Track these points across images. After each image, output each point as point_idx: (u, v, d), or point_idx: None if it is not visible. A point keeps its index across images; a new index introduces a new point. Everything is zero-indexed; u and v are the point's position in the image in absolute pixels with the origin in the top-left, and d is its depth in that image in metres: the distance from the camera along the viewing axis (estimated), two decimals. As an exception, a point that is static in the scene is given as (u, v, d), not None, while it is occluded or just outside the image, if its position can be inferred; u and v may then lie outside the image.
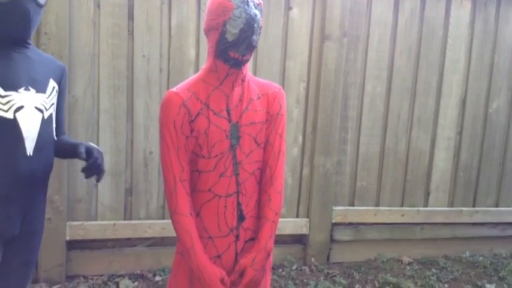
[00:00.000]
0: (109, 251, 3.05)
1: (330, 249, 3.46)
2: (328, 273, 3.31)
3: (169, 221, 3.00)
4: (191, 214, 1.57)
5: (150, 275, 3.06)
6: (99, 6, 2.85)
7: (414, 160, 3.61)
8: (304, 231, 3.37)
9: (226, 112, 1.58)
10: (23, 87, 1.58)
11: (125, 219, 3.05)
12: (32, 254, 1.70)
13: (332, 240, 3.46)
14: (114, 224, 3.00)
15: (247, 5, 1.48)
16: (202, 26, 3.01)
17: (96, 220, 3.00)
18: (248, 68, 1.61)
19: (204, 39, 3.03)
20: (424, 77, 3.54)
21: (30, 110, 1.58)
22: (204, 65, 1.62)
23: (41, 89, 1.63)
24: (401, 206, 3.62)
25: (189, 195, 1.59)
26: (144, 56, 2.96)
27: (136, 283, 2.98)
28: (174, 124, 1.54)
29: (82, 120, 2.90)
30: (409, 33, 3.47)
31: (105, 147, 2.96)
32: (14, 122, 1.54)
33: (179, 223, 1.56)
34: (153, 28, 2.95)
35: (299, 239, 3.44)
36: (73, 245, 2.98)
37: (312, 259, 3.40)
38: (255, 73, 3.16)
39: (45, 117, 1.63)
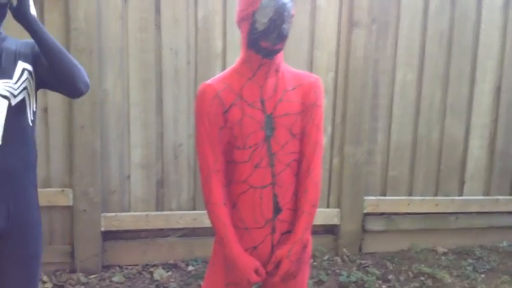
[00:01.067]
0: (142, 241, 3.12)
1: (362, 239, 3.42)
2: (360, 263, 3.28)
3: (201, 211, 3.06)
4: (225, 204, 1.59)
5: (183, 265, 3.11)
6: (126, 1, 2.90)
7: (448, 148, 3.52)
8: (335, 221, 3.35)
9: (260, 103, 1.58)
10: None
11: (157, 210, 3.10)
12: (30, 248, 1.66)
13: (364, 230, 3.42)
14: (147, 215, 3.06)
15: None
16: (229, 17, 3.06)
17: (129, 211, 3.06)
18: (282, 58, 1.60)
19: (230, 30, 3.06)
20: (456, 63, 3.44)
21: None
22: (238, 57, 1.62)
23: (6, 75, 1.57)
24: (435, 195, 3.54)
25: (223, 185, 1.60)
26: (171, 49, 2.99)
27: (170, 273, 3.03)
28: (207, 115, 1.56)
29: (113, 113, 2.96)
30: (440, 18, 3.37)
31: (136, 140, 3.02)
32: None
33: (213, 213, 1.59)
34: (180, 21, 2.98)
35: (330, 230, 3.42)
36: (108, 235, 3.05)
37: (344, 249, 3.37)
38: (282, 63, 3.14)
39: (13, 104, 1.57)
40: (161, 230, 3.14)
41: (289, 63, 3.26)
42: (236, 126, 1.57)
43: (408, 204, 3.46)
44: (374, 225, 3.44)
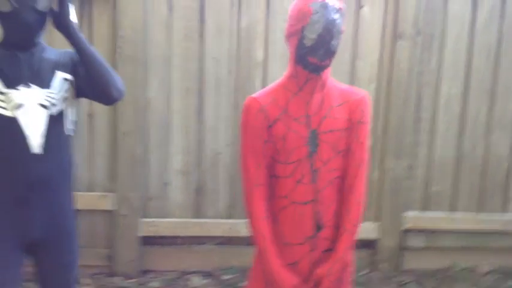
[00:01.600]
0: (179, 247, 3.14)
1: (401, 256, 3.34)
2: (398, 280, 3.20)
3: (237, 220, 3.06)
4: (266, 218, 1.59)
5: (218, 273, 3.11)
6: (171, 10, 2.94)
7: (492, 164, 3.40)
8: (374, 236, 3.28)
9: (305, 118, 1.58)
10: (22, 84, 1.57)
11: (194, 218, 3.12)
12: (67, 256, 1.70)
13: (403, 246, 3.33)
14: (184, 222, 3.08)
15: (326, 9, 1.48)
16: (270, 27, 3.06)
17: (167, 217, 3.09)
18: (329, 74, 1.59)
19: (272, 40, 3.06)
20: (504, 78, 3.32)
21: (33, 107, 1.56)
22: (281, 69, 1.63)
23: (44, 84, 1.60)
24: (478, 212, 3.42)
25: (265, 199, 1.61)
26: (213, 58, 3.02)
27: (205, 281, 3.04)
28: (252, 129, 1.58)
29: (155, 120, 3.01)
30: (488, 31, 3.27)
31: (177, 148, 3.05)
32: (14, 120, 1.54)
33: (254, 226, 1.60)
34: (222, 30, 3.00)
35: (368, 244, 3.35)
36: (146, 240, 3.09)
37: (382, 265, 3.30)
38: (323, 74, 3.12)
39: (52, 113, 1.60)
40: (198, 237, 3.16)
41: (331, 72, 3.25)
42: (280, 140, 1.58)
43: (450, 221, 3.36)
44: (414, 241, 3.35)
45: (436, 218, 3.34)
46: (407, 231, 3.32)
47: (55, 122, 1.61)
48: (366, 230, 3.26)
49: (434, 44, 3.22)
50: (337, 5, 1.51)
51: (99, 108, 2.90)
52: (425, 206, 3.36)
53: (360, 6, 3.11)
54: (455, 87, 3.29)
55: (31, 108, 1.56)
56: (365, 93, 1.67)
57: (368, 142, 1.64)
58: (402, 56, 3.14)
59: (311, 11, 1.48)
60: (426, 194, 3.36)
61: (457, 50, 3.25)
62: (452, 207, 3.40)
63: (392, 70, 3.16)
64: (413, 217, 3.30)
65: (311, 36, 1.49)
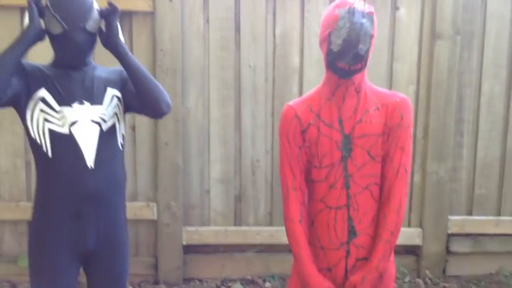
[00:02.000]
0: (221, 255, 3.17)
1: (446, 261, 3.25)
2: (444, 286, 3.11)
3: (277, 228, 3.06)
4: (300, 222, 1.61)
5: (260, 281, 3.12)
6: (208, 21, 3.00)
7: (541, 165, 3.27)
8: (417, 241, 3.21)
9: (338, 123, 1.59)
10: (77, 101, 1.63)
11: (235, 225, 3.14)
12: (118, 267, 1.75)
13: (448, 251, 3.25)
14: (225, 230, 3.11)
15: (353, 14, 1.49)
16: (306, 34, 3.06)
17: (209, 225, 3.13)
18: (363, 78, 1.59)
19: (307, 46, 3.06)
20: (551, 73, 3.21)
21: (86, 123, 1.63)
22: (316, 74, 1.65)
23: (96, 101, 1.67)
24: (526, 215, 3.30)
25: (300, 203, 1.63)
26: (250, 66, 3.04)
27: (247, 288, 3.06)
28: (287, 135, 1.62)
29: (194, 130, 3.06)
30: (531, 26, 3.17)
31: (215, 156, 3.09)
32: (70, 137, 1.60)
33: (289, 229, 1.63)
34: (258, 38, 3.03)
35: (412, 250, 3.28)
36: (189, 249, 3.14)
37: (427, 271, 3.22)
38: (361, 78, 3.09)
39: (104, 129, 1.66)
40: (239, 245, 3.18)
41: (368, 76, 3.22)
42: (313, 145, 1.60)
43: (496, 225, 3.25)
44: (459, 246, 3.26)
45: (482, 222, 3.24)
46: (451, 235, 3.24)
47: (107, 136, 1.67)
48: (410, 235, 3.20)
49: (474, 43, 3.14)
50: (366, 9, 1.52)
51: (141, 121, 2.98)
52: (470, 210, 3.27)
53: (395, 8, 3.08)
54: (498, 86, 3.19)
55: (84, 125, 1.63)
56: (404, 96, 1.64)
57: (410, 148, 1.60)
58: (441, 56, 3.08)
59: (337, 17, 1.50)
60: (471, 197, 3.27)
61: (498, 48, 3.16)
62: (498, 211, 3.29)
63: (431, 71, 3.10)
64: (458, 221, 3.22)
65: (337, 41, 1.49)
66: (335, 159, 1.58)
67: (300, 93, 3.09)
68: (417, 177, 3.21)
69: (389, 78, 3.13)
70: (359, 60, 1.51)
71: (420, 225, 3.22)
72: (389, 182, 1.57)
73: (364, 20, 1.50)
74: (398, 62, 3.12)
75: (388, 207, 1.57)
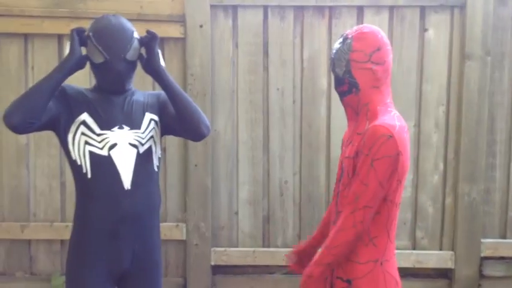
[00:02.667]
0: (250, 276, 3.17)
1: (479, 285, 3.16)
2: (478, 311, 3.03)
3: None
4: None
5: (288, 303, 3.11)
6: (237, 46, 3.06)
7: None
8: (449, 265, 3.14)
9: (344, 143, 1.69)
10: (117, 126, 1.70)
11: (263, 247, 3.15)
12: (152, 287, 1.78)
13: (481, 275, 3.16)
14: (254, 251, 3.12)
15: (336, 41, 1.65)
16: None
17: (237, 247, 3.15)
18: (364, 101, 1.58)
19: (336, 68, 3.08)
20: None
21: (124, 146, 1.69)
22: None
23: (135, 125, 1.73)
24: None
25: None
26: (278, 89, 3.08)
27: (275, 310, 3.04)
28: None
29: (223, 152, 3.11)
30: None
31: (244, 178, 3.12)
32: (109, 159, 1.66)
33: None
34: (286, 62, 3.07)
35: (444, 274, 3.21)
36: (217, 269, 3.16)
37: (459, 295, 3.15)
38: (389, 99, 3.09)
39: (141, 152, 1.71)
40: (267, 266, 3.18)
41: (397, 97, 3.24)
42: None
43: (533, 248, 3.16)
44: (493, 270, 3.17)
45: (517, 245, 3.15)
46: (485, 259, 3.16)
47: (143, 159, 1.73)
48: (442, 258, 3.14)
49: (505, 63, 3.10)
50: (351, 34, 1.61)
51: (172, 143, 3.04)
52: (503, 233, 3.19)
53: (424, 29, 3.08)
54: (531, 107, 3.13)
55: (123, 148, 1.69)
56: (377, 124, 1.53)
57: (366, 177, 1.50)
58: (471, 76, 3.05)
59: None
60: (504, 220, 3.19)
61: (531, 68, 3.11)
62: (534, 233, 3.19)
63: (461, 92, 3.07)
64: (491, 244, 3.14)
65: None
66: (337, 177, 1.68)
67: (328, 115, 3.11)
68: (449, 200, 3.16)
69: (419, 100, 3.12)
70: (340, 83, 1.60)
71: (452, 248, 3.16)
72: (344, 203, 1.57)
73: (339, 46, 1.60)
74: (428, 83, 3.10)
75: (335, 225, 1.58)
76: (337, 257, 1.55)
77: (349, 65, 1.56)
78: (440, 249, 3.17)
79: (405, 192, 3.14)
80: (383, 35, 1.64)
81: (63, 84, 1.72)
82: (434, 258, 3.14)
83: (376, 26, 3.02)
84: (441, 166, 3.15)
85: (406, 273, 3.22)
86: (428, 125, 3.12)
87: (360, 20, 3.06)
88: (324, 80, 3.10)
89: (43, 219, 3.10)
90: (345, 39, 1.60)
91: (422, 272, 3.19)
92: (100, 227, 1.68)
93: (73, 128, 1.68)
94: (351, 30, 1.64)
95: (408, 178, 3.14)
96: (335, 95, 3.07)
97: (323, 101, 3.11)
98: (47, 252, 3.15)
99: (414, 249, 3.17)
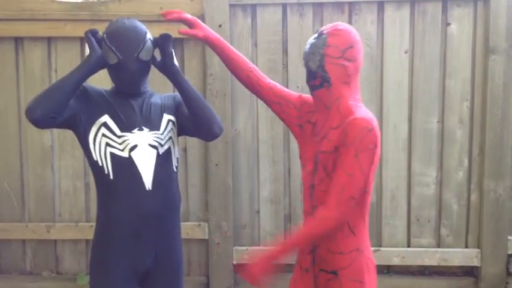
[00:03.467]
0: (272, 276, 3.16)
1: (507, 283, 3.10)
2: (506, 310, 2.97)
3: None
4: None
5: (311, 302, 3.09)
6: (256, 45, 3.06)
7: None
8: (475, 262, 3.08)
9: (315, 137, 1.69)
10: (137, 128, 1.72)
11: (285, 245, 3.14)
12: (174, 284, 1.81)
13: (509, 273, 3.09)
14: (276, 250, 3.11)
15: (311, 36, 1.69)
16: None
17: (259, 245, 3.15)
18: (339, 96, 1.62)
19: (356, 65, 3.06)
20: None
21: (144, 147, 1.70)
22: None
23: (154, 126, 1.75)
24: None
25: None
26: (298, 87, 3.07)
27: (298, 309, 3.03)
28: None
29: (244, 151, 3.11)
30: None
31: (265, 176, 3.12)
32: (130, 160, 1.68)
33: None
34: (306, 60, 3.05)
35: (469, 271, 3.16)
36: (239, 268, 3.16)
37: (486, 294, 3.09)
38: (411, 94, 3.05)
39: (161, 152, 1.73)
40: (289, 265, 3.16)
41: (420, 93, 3.19)
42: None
43: (562, 246, 3.08)
44: (521, 267, 3.11)
45: (546, 243, 3.07)
46: (512, 256, 3.09)
47: (163, 160, 1.75)
48: (467, 256, 3.09)
49: (531, 56, 3.02)
50: (326, 30, 1.65)
51: (192, 143, 3.06)
52: (532, 230, 3.11)
53: (446, 24, 3.02)
54: (558, 100, 3.05)
55: (143, 149, 1.71)
56: (358, 116, 1.57)
57: (352, 168, 1.53)
58: (496, 71, 2.98)
59: None
60: (533, 217, 3.11)
61: (558, 61, 3.02)
62: None
63: (486, 87, 3.01)
64: (519, 241, 3.07)
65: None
66: (309, 170, 1.67)
67: (349, 112, 3.08)
68: (474, 197, 3.10)
69: (442, 96, 3.07)
70: (312, 77, 1.64)
71: (478, 246, 3.10)
72: (328, 195, 1.58)
73: (314, 41, 1.65)
74: (451, 78, 3.05)
75: (314, 215, 1.60)
76: (307, 244, 1.63)
77: (323, 60, 1.61)
78: (466, 247, 3.11)
79: (428, 190, 3.10)
80: (356, 33, 1.69)
81: (84, 84, 1.74)
82: (460, 256, 3.09)
83: (397, 21, 3.05)
84: (466, 162, 3.09)
85: (431, 271, 3.19)
86: (452, 120, 3.07)
87: (380, 15, 3.02)
88: (344, 77, 3.07)
89: (68, 219, 3.16)
90: (320, 34, 1.65)
91: (448, 270, 3.15)
92: (123, 227, 1.70)
93: (94, 129, 1.70)
94: (326, 26, 1.69)
95: (431, 175, 3.09)
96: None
97: (344, 98, 3.08)
98: (72, 252, 3.20)
99: (439, 247, 3.12)
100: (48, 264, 3.22)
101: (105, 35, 1.70)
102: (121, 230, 1.70)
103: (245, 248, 3.13)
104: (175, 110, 1.83)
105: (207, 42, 1.77)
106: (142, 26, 1.72)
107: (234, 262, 3.11)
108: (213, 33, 1.77)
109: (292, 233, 1.63)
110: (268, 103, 1.83)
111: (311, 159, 1.66)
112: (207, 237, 3.10)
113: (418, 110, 3.08)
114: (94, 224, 1.75)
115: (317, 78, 1.62)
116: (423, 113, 3.08)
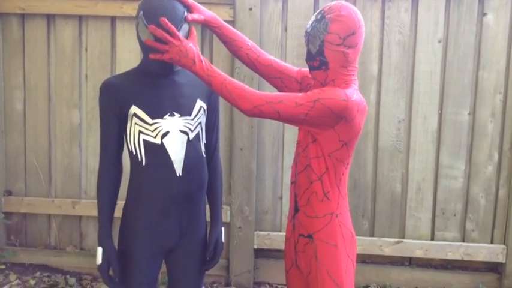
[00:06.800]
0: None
1: (533, 281, 3.05)
2: (530, 309, 2.91)
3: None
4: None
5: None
6: (286, 30, 3.03)
7: None
8: (500, 259, 3.03)
9: None
10: (168, 114, 1.69)
11: (306, 233, 3.14)
12: (198, 263, 1.83)
13: (535, 271, 3.04)
14: (297, 237, 3.11)
15: (312, 18, 1.67)
16: (385, 40, 3.01)
17: (280, 231, 3.15)
18: (335, 77, 1.63)
19: (387, 53, 3.00)
20: None
21: (176, 133, 1.69)
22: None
23: (186, 112, 1.72)
24: None
25: None
26: (327, 73, 3.03)
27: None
28: None
29: (269, 136, 3.10)
30: None
31: (289, 162, 3.06)
32: (162, 147, 1.68)
33: None
34: (336, 46, 3.00)
35: (494, 267, 3.11)
36: (260, 253, 3.18)
37: (510, 291, 3.04)
38: (443, 85, 2.99)
39: (191, 138, 1.72)
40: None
41: (452, 84, 3.13)
42: None
43: None
44: (548, 266, 3.04)
45: None
46: (540, 255, 3.02)
47: (193, 145, 1.74)
48: (492, 252, 3.04)
49: None
50: (330, 13, 1.61)
51: (218, 126, 3.06)
52: (561, 228, 3.04)
53: (482, 14, 2.94)
54: None
55: (174, 135, 1.71)
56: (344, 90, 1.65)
57: (303, 99, 1.57)
58: (532, 64, 2.90)
59: None
60: None
61: None
62: None
63: (521, 80, 2.92)
64: (547, 239, 3.00)
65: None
66: (299, 139, 1.73)
67: (378, 101, 3.04)
68: (502, 192, 3.04)
69: (475, 87, 2.99)
70: (310, 59, 1.66)
71: (504, 242, 3.04)
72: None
73: (315, 23, 1.63)
74: (485, 70, 2.97)
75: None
76: (210, 84, 1.58)
77: (323, 46, 1.61)
78: (491, 243, 3.06)
79: (456, 183, 3.04)
80: (360, 17, 1.64)
81: (106, 88, 1.71)
82: (485, 251, 3.03)
83: (431, 9, 2.98)
84: (496, 157, 3.02)
85: (453, 265, 3.15)
86: (484, 113, 2.99)
87: (414, 3, 2.95)
88: (374, 65, 3.02)
89: (93, 196, 3.20)
90: (322, 17, 1.61)
91: (471, 265, 3.10)
92: (152, 206, 1.73)
93: (128, 120, 1.72)
94: (329, 7, 1.63)
95: (459, 168, 3.03)
96: (385, 81, 3.03)
97: (373, 87, 3.03)
98: (96, 229, 3.21)
99: (463, 241, 3.07)
100: (72, 240, 3.29)
101: (141, 13, 1.69)
102: (149, 209, 1.73)
103: (266, 233, 3.13)
104: (208, 97, 1.82)
105: (206, 25, 1.75)
106: (181, 6, 1.70)
107: (255, 247, 3.12)
108: (212, 14, 1.75)
109: (217, 71, 1.58)
110: (269, 79, 1.84)
111: (303, 128, 1.68)
112: (229, 221, 3.11)
113: (449, 101, 3.01)
114: (118, 202, 1.76)
115: (315, 61, 1.64)
116: (454, 105, 3.01)
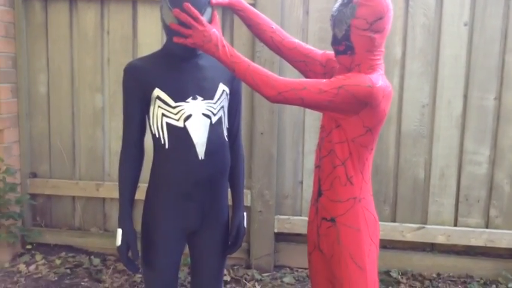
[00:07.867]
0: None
1: (557, 269, 3.00)
2: (554, 297, 2.87)
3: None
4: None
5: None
6: (307, 13, 2.99)
7: None
8: (525, 246, 2.99)
9: None
10: (191, 97, 1.69)
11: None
12: (220, 245, 1.83)
13: (560, 259, 2.99)
14: (317, 221, 3.11)
15: (337, 2, 1.63)
16: (410, 23, 2.95)
17: (300, 215, 3.16)
18: (360, 63, 1.59)
19: (411, 36, 2.94)
20: None
21: (198, 117, 1.68)
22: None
23: (208, 95, 1.71)
24: None
25: None
26: (349, 57, 2.99)
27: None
28: None
29: (289, 121, 3.09)
30: None
31: (310, 147, 3.10)
32: (184, 130, 1.67)
33: None
34: (358, 29, 2.96)
35: (518, 255, 3.07)
36: (280, 237, 3.19)
37: (534, 279, 2.99)
38: (468, 69, 2.93)
39: (213, 122, 1.71)
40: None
41: (478, 68, 3.07)
42: None
43: None
44: None
45: None
46: None
47: (215, 128, 1.74)
48: (516, 239, 2.99)
49: None
50: None
51: (238, 110, 3.06)
52: None
53: (511, -6, 2.85)
54: None
55: (197, 118, 1.71)
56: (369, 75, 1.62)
57: (327, 86, 1.53)
58: None
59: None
60: None
61: None
62: None
63: (550, 64, 2.84)
64: None
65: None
66: (323, 123, 1.72)
67: (401, 85, 2.99)
68: (527, 179, 2.98)
69: (501, 72, 2.93)
70: (336, 43, 1.63)
71: (528, 230, 3.00)
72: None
73: (341, 8, 1.59)
74: (511, 53, 2.90)
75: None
76: (235, 70, 1.56)
77: (349, 30, 1.57)
78: (515, 230, 3.02)
79: (480, 169, 3.00)
80: (388, 1, 1.58)
81: (130, 70, 1.70)
82: (508, 238, 2.99)
83: None
84: (521, 143, 2.96)
85: (476, 252, 3.12)
86: (511, 98, 2.92)
87: (440, -15, 2.88)
88: (398, 49, 2.97)
89: (116, 179, 3.23)
90: (349, 1, 1.57)
91: (494, 252, 3.07)
92: (175, 189, 1.74)
93: (152, 103, 1.72)
94: None
95: (484, 154, 2.98)
96: (409, 64, 2.98)
97: (396, 70, 2.99)
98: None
99: (487, 227, 3.04)
100: (96, 221, 3.36)
101: None
102: (172, 192, 1.74)
103: (287, 217, 3.14)
104: (231, 81, 1.82)
105: (231, 7, 1.73)
106: None
107: (275, 230, 3.14)
108: None
109: (240, 57, 1.57)
110: (294, 62, 1.81)
111: (327, 113, 1.67)
112: (249, 205, 3.13)
113: (474, 85, 2.95)
114: (141, 184, 1.78)
115: (341, 45, 1.61)
116: (480, 89, 2.95)
